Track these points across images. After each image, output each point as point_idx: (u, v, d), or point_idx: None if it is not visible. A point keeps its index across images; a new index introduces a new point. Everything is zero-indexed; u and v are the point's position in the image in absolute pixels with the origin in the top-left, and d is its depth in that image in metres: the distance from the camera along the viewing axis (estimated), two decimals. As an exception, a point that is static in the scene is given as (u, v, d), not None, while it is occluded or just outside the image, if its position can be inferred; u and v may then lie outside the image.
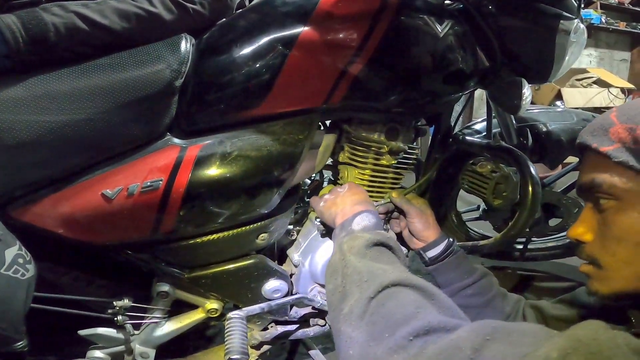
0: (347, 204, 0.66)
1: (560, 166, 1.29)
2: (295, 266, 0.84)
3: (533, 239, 1.34)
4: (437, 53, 0.73)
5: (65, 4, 0.60)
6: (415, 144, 0.90)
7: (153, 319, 0.79)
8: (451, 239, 0.76)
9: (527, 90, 0.83)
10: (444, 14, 0.74)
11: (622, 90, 3.63)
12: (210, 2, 0.70)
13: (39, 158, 0.58)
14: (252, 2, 0.76)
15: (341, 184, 0.80)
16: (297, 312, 0.88)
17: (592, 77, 3.70)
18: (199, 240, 0.72)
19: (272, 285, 0.80)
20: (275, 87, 0.67)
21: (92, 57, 0.62)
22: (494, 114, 1.05)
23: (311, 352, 0.98)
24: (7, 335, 0.56)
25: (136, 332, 0.79)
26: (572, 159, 1.35)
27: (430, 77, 0.75)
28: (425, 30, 0.72)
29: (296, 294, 0.84)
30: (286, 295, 0.82)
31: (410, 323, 0.37)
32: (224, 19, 0.73)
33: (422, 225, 0.76)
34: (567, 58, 0.79)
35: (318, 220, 0.82)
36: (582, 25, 0.79)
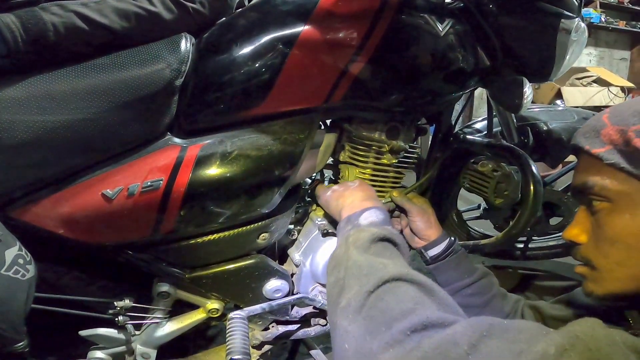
0: (357, 198, 0.65)
1: (560, 165, 1.29)
2: (296, 266, 0.84)
3: (534, 238, 1.33)
4: (437, 52, 0.73)
5: (65, 3, 0.60)
6: (415, 143, 0.90)
7: (154, 320, 0.78)
8: (452, 238, 0.76)
9: (528, 89, 0.83)
10: (445, 12, 0.74)
11: (622, 89, 3.62)
12: (210, 2, 0.70)
13: (39, 158, 0.58)
14: (252, 1, 0.75)
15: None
16: (298, 311, 0.88)
17: (592, 76, 3.70)
18: (199, 240, 0.72)
19: (273, 285, 0.80)
20: (276, 86, 0.67)
21: (92, 57, 0.61)
22: (494, 113, 1.05)
23: (312, 352, 0.98)
24: (7, 336, 0.56)
25: (137, 332, 0.78)
26: (573, 158, 1.34)
27: (431, 76, 0.75)
28: (426, 29, 0.72)
29: (297, 293, 0.84)
30: (287, 295, 0.82)
31: (408, 318, 0.37)
32: (224, 18, 0.73)
33: (423, 224, 0.76)
34: (568, 57, 0.79)
35: (319, 219, 0.81)
36: (582, 24, 0.79)
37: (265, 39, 0.66)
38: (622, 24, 4.49)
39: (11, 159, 0.56)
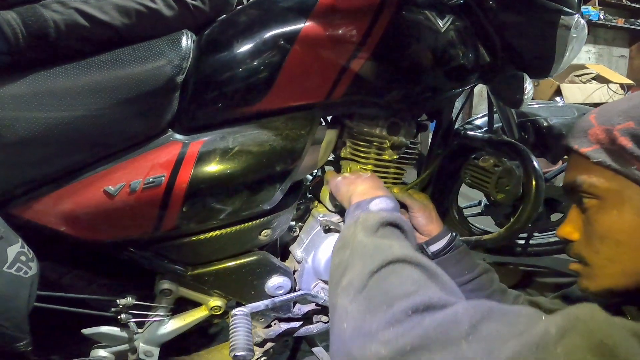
0: (368, 186, 0.66)
1: (561, 161, 1.29)
2: (298, 262, 0.84)
3: (535, 234, 1.34)
4: (438, 48, 0.73)
5: (65, 0, 0.60)
6: (416, 139, 0.90)
7: (156, 317, 0.78)
8: (454, 234, 0.76)
9: (528, 85, 0.83)
10: (445, 9, 0.74)
11: (622, 86, 3.63)
12: (210, -2, 0.70)
13: (41, 155, 0.58)
14: (252, -2, 0.75)
15: None
16: (301, 309, 0.88)
17: (591, 73, 3.71)
18: (201, 236, 0.72)
19: (275, 281, 0.80)
20: (277, 82, 0.67)
21: (93, 54, 0.61)
22: (495, 109, 1.05)
23: (314, 350, 0.98)
24: (10, 334, 0.56)
25: (140, 330, 0.78)
26: (573, 154, 1.34)
27: (431, 72, 0.75)
28: (426, 26, 0.72)
29: (299, 290, 0.84)
30: (289, 292, 0.82)
31: (410, 298, 0.37)
32: (225, 15, 0.73)
33: (425, 219, 0.76)
34: (567, 53, 0.79)
35: (321, 216, 0.81)
36: (582, 21, 0.79)
37: (267, 35, 0.66)
38: (620, 22, 4.50)
39: (13, 156, 0.56)
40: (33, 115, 0.56)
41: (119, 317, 0.72)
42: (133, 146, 0.65)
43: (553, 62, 0.78)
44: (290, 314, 0.86)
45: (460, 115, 1.10)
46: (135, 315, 0.74)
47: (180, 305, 0.82)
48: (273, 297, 0.80)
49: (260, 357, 0.89)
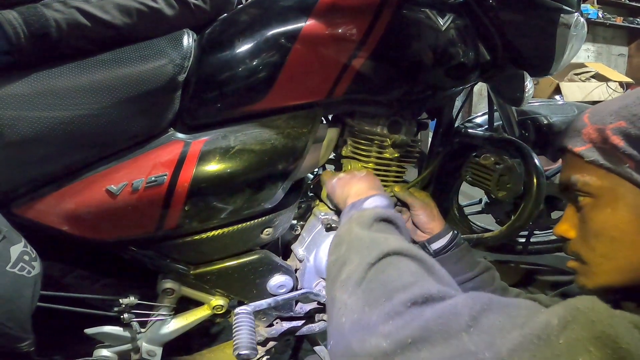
0: (363, 187, 0.66)
1: (561, 159, 1.29)
2: (300, 261, 0.84)
3: (535, 232, 1.34)
4: (439, 47, 0.73)
5: (67, -1, 0.60)
6: (417, 137, 0.90)
7: (159, 317, 0.78)
8: (455, 231, 0.76)
9: (529, 83, 0.83)
10: (446, 7, 0.74)
11: (621, 84, 3.63)
12: (211, -3, 0.70)
13: (43, 154, 0.58)
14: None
15: None
16: (302, 307, 0.88)
17: (591, 72, 3.71)
18: (203, 235, 0.72)
19: (277, 280, 0.80)
20: (279, 81, 0.67)
21: (94, 53, 0.61)
22: (495, 107, 1.05)
23: (316, 349, 0.98)
24: (14, 334, 0.56)
25: (142, 330, 0.78)
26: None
27: (432, 70, 0.75)
28: (427, 24, 0.72)
29: (301, 289, 0.84)
30: (291, 291, 0.82)
31: (410, 290, 0.37)
32: (226, 14, 0.73)
33: (426, 217, 0.76)
34: (567, 52, 0.79)
35: (322, 214, 0.81)
36: (582, 19, 0.80)
37: (268, 34, 0.66)
38: (619, 20, 4.50)
39: (15, 155, 0.56)
40: (35, 114, 0.56)
41: (121, 316, 0.72)
42: (135, 145, 0.65)
43: (553, 61, 0.79)
44: (292, 313, 0.86)
45: (460, 114, 1.10)
46: (137, 315, 0.74)
47: (183, 305, 0.82)
48: (275, 295, 0.80)
49: (262, 356, 0.89)
